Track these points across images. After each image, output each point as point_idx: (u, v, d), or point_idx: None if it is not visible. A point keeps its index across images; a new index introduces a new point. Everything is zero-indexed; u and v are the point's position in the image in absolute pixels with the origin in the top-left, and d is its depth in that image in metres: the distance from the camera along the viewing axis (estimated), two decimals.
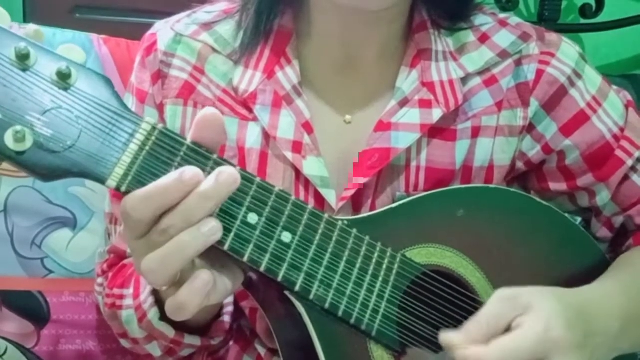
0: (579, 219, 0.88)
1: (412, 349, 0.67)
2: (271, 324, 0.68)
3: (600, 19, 1.80)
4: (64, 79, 0.53)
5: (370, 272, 0.65)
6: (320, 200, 0.75)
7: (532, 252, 0.73)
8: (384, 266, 0.66)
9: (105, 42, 1.04)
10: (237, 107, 0.78)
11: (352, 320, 0.63)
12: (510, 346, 0.58)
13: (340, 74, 0.79)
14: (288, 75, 0.77)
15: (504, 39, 0.80)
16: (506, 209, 0.74)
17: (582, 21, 1.84)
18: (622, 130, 0.80)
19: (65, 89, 0.53)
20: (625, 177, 0.81)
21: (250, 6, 0.78)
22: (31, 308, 0.97)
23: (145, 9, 1.66)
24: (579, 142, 0.79)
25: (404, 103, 0.76)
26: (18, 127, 0.51)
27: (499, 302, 0.61)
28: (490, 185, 0.79)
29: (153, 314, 0.72)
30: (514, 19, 0.82)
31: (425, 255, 0.68)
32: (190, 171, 0.52)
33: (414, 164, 0.77)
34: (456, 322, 0.68)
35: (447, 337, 0.59)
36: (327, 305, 0.62)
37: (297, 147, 0.75)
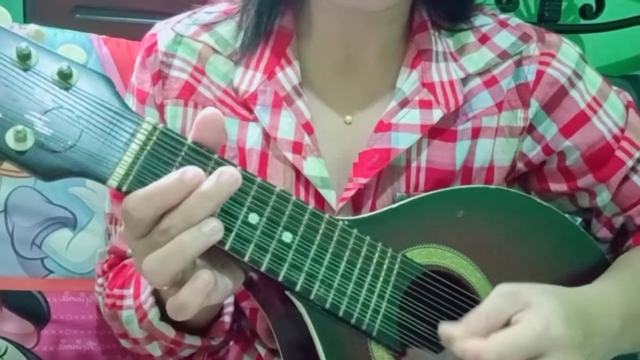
0: (579, 220, 0.88)
1: (412, 349, 0.67)
2: (272, 324, 0.68)
3: (601, 19, 1.80)
4: (65, 78, 0.53)
5: (370, 272, 0.65)
6: (320, 200, 0.75)
7: (532, 252, 0.73)
8: (385, 266, 0.66)
9: (105, 43, 1.04)
10: (238, 107, 0.78)
11: (353, 321, 0.63)
12: (509, 341, 0.58)
13: (340, 75, 0.79)
14: (288, 76, 0.77)
15: (504, 39, 0.80)
16: (506, 209, 0.74)
17: (582, 22, 1.84)
18: (622, 130, 0.81)
19: (67, 89, 0.53)
20: (626, 178, 0.81)
21: (250, 7, 0.78)
22: (31, 308, 0.97)
23: (146, 10, 1.66)
24: (579, 143, 0.79)
25: (404, 104, 0.76)
26: (19, 127, 0.51)
27: (499, 297, 0.61)
28: (491, 186, 0.79)
29: (153, 314, 0.72)
30: (514, 20, 0.82)
31: (426, 255, 0.69)
32: (192, 171, 0.53)
33: (414, 164, 0.77)
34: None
35: (446, 329, 0.59)
36: (327, 306, 0.62)
37: (297, 147, 0.75)
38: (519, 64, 0.79)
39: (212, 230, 0.53)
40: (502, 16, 0.83)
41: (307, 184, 0.75)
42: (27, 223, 0.97)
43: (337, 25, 0.76)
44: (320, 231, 0.62)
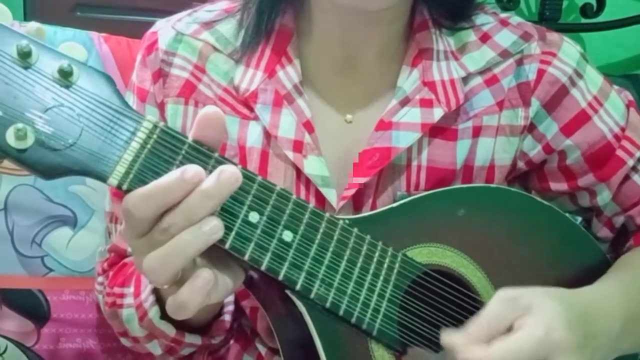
0: (580, 219, 0.88)
1: (413, 348, 0.67)
2: (272, 323, 0.68)
3: (601, 18, 1.80)
4: (65, 76, 0.53)
5: (371, 272, 0.65)
6: (321, 199, 0.75)
7: (532, 251, 0.73)
8: (385, 265, 0.66)
9: (106, 40, 1.04)
10: (238, 106, 0.78)
11: (353, 320, 0.63)
12: (512, 347, 0.58)
13: (341, 74, 0.79)
14: (289, 74, 0.77)
15: (505, 38, 0.80)
16: (507, 208, 0.74)
17: (583, 21, 1.83)
18: (623, 130, 0.80)
19: (67, 87, 0.53)
20: (626, 177, 0.81)
21: (251, 5, 0.78)
22: (31, 306, 0.97)
23: (146, 8, 1.65)
24: (580, 142, 0.79)
25: (405, 102, 0.76)
26: (19, 125, 0.51)
27: (500, 303, 0.61)
28: (491, 185, 0.79)
29: (154, 312, 0.72)
30: (515, 19, 0.82)
31: (426, 254, 0.68)
32: (192, 170, 0.52)
33: (414, 163, 0.77)
34: (457, 322, 0.68)
35: (448, 338, 0.59)
36: (328, 305, 0.62)
37: (298, 146, 0.75)
38: (520, 62, 0.79)
39: (213, 229, 0.53)
40: (503, 15, 0.83)
41: (308, 182, 0.75)
42: (27, 221, 0.97)
43: (338, 25, 0.76)
44: (321, 230, 0.62)
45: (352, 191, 0.74)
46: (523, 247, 0.73)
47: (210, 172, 0.54)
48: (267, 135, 0.76)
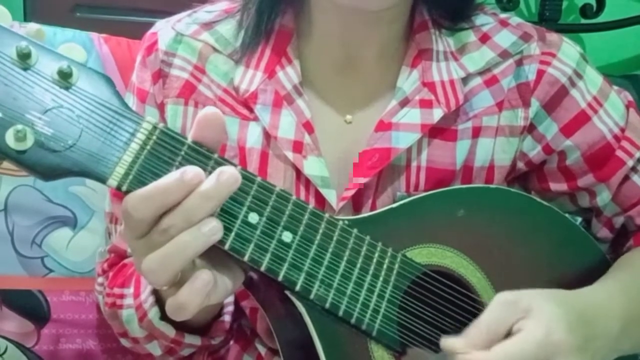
0: (580, 219, 0.88)
1: (412, 348, 0.67)
2: (271, 323, 0.68)
3: (601, 19, 1.80)
4: (65, 78, 0.53)
5: (370, 272, 0.65)
6: (320, 200, 0.75)
7: (532, 252, 0.73)
8: (385, 266, 0.66)
9: (105, 41, 1.04)
10: (238, 106, 0.78)
11: (353, 320, 0.63)
12: (512, 350, 0.58)
13: (340, 74, 0.79)
14: (289, 75, 0.77)
15: (504, 39, 0.80)
16: (507, 209, 0.74)
17: (583, 21, 1.84)
18: (622, 130, 0.80)
19: (67, 88, 0.53)
20: (626, 178, 0.81)
21: (251, 5, 0.78)
22: (31, 307, 0.97)
23: (146, 8, 1.66)
24: (579, 143, 0.79)
25: (404, 103, 0.76)
26: (19, 126, 0.51)
27: (499, 306, 0.61)
28: (491, 186, 0.79)
29: (153, 313, 0.72)
30: (514, 19, 0.82)
31: (426, 255, 0.68)
32: (192, 171, 0.52)
33: (414, 164, 0.77)
34: (457, 322, 0.68)
35: (448, 342, 0.59)
36: (327, 305, 0.62)
37: (297, 146, 0.75)
38: (519, 63, 0.79)
39: (212, 230, 0.53)
40: (503, 15, 0.83)
41: (308, 183, 0.75)
42: (27, 222, 0.97)
43: (338, 25, 0.76)
44: (320, 231, 0.62)
45: (352, 192, 0.74)
46: (523, 247, 0.73)
47: (210, 173, 0.54)
48: (267, 136, 0.76)
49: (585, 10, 1.82)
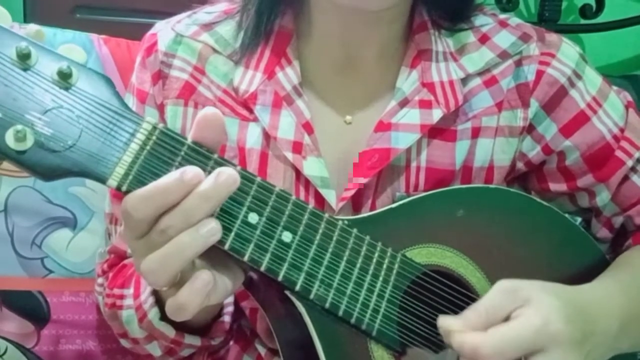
0: (579, 219, 0.88)
1: (412, 348, 0.67)
2: (271, 323, 0.68)
3: (601, 19, 1.80)
4: (64, 78, 0.53)
5: (370, 272, 0.65)
6: (320, 200, 0.75)
7: (532, 252, 0.73)
8: (385, 266, 0.66)
9: (105, 42, 1.04)
10: (238, 107, 0.78)
11: (353, 320, 0.63)
12: (508, 335, 0.58)
13: (340, 75, 0.79)
14: (288, 76, 0.77)
15: (504, 39, 0.80)
16: (506, 209, 0.74)
17: (582, 22, 1.84)
18: (622, 130, 0.81)
19: (66, 89, 0.53)
20: (625, 178, 0.81)
21: (250, 6, 0.78)
22: (31, 308, 0.97)
23: (146, 9, 1.66)
24: (579, 143, 0.79)
25: (404, 103, 0.76)
26: (19, 127, 0.51)
27: (499, 293, 0.61)
28: (491, 186, 0.79)
29: (153, 314, 0.72)
30: (514, 20, 0.82)
31: (426, 255, 0.69)
32: (192, 171, 0.52)
33: (414, 164, 0.77)
34: None
35: (445, 322, 0.59)
36: (327, 305, 0.62)
37: (297, 147, 0.75)
38: (519, 63, 0.79)
39: (210, 231, 0.53)
40: (502, 16, 0.83)
41: (307, 183, 0.75)
42: (27, 223, 0.97)
43: (337, 25, 0.76)
44: (320, 231, 0.62)
45: (352, 192, 0.74)
46: (522, 247, 0.73)
47: (210, 173, 0.54)
48: (267, 137, 0.76)
49: (584, 11, 1.82)
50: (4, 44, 0.52)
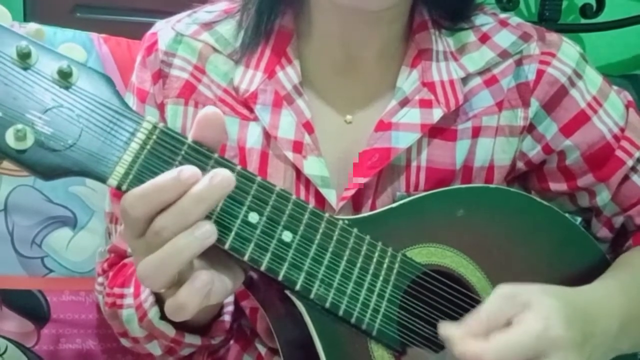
0: (579, 219, 0.88)
1: (412, 348, 0.67)
2: (271, 323, 0.68)
3: (601, 19, 1.80)
4: (65, 77, 0.53)
5: (370, 272, 0.65)
6: (320, 200, 0.75)
7: (532, 252, 0.73)
8: (385, 265, 0.66)
9: (105, 41, 1.04)
10: (238, 106, 0.78)
11: (353, 320, 0.63)
12: (510, 341, 0.58)
13: (340, 74, 0.79)
14: (289, 75, 0.77)
15: (504, 39, 0.80)
16: (506, 208, 0.74)
17: (583, 21, 1.84)
18: (622, 130, 0.80)
19: (66, 88, 0.53)
20: (626, 178, 0.81)
21: (250, 6, 0.78)
22: (31, 307, 0.97)
23: (146, 9, 1.66)
24: (579, 143, 0.79)
25: (404, 103, 0.76)
26: (19, 126, 0.51)
27: (499, 298, 0.61)
28: (491, 185, 0.79)
29: (153, 313, 0.72)
30: (514, 19, 0.82)
31: (426, 254, 0.69)
32: (189, 170, 0.52)
33: (414, 163, 0.77)
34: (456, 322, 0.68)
35: (446, 330, 0.59)
36: (327, 305, 0.62)
37: (297, 146, 0.75)
38: (519, 63, 0.79)
39: (205, 233, 0.53)
40: (503, 15, 0.83)
41: (308, 183, 0.75)
42: (27, 222, 0.97)
43: (337, 25, 0.76)
44: (320, 230, 0.62)
45: (352, 191, 0.74)
46: (522, 247, 0.73)
47: None
48: (267, 136, 0.76)
49: (585, 10, 1.82)
50: (4, 43, 0.52)
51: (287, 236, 0.60)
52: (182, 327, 0.74)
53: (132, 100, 0.81)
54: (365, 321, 0.64)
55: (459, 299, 0.69)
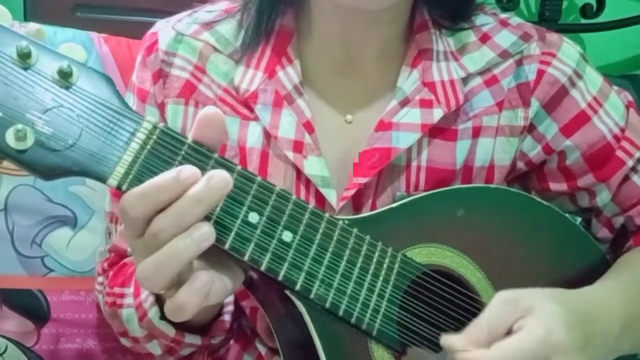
0: (579, 219, 0.88)
1: (412, 348, 0.67)
2: (271, 323, 0.68)
3: (601, 19, 1.80)
4: (65, 77, 0.53)
5: (370, 272, 0.65)
6: (320, 199, 0.75)
7: (532, 252, 0.73)
8: (385, 265, 0.66)
9: (105, 41, 1.04)
10: (238, 106, 0.78)
11: (353, 320, 0.63)
12: (512, 348, 0.58)
13: (341, 74, 0.79)
14: (289, 75, 0.77)
15: (505, 39, 0.80)
16: (507, 208, 0.74)
17: (583, 21, 1.84)
18: (622, 130, 0.80)
19: (67, 88, 0.53)
20: (626, 178, 0.81)
21: (251, 5, 0.78)
22: (31, 307, 0.97)
23: (146, 8, 1.66)
24: (579, 143, 0.79)
25: (404, 103, 0.76)
26: (19, 126, 0.51)
27: (499, 305, 0.61)
28: (491, 185, 0.79)
29: (153, 312, 0.72)
30: (515, 19, 0.82)
31: (426, 254, 0.68)
32: (188, 170, 0.52)
33: (414, 163, 0.77)
34: (457, 322, 0.68)
35: (448, 340, 0.59)
36: (327, 305, 0.62)
37: (298, 146, 0.75)
38: (519, 63, 0.79)
39: (202, 235, 0.52)
40: (503, 15, 0.83)
41: (308, 183, 0.75)
42: (27, 221, 0.97)
43: (338, 25, 0.76)
44: (321, 230, 0.62)
45: (352, 191, 0.74)
46: (523, 247, 0.73)
47: None
48: (267, 136, 0.76)
49: (585, 10, 1.82)
50: (5, 43, 0.52)
51: (287, 236, 0.60)
52: (182, 326, 0.74)
53: (132, 100, 0.81)
54: (365, 321, 0.64)
55: (459, 299, 0.69)
